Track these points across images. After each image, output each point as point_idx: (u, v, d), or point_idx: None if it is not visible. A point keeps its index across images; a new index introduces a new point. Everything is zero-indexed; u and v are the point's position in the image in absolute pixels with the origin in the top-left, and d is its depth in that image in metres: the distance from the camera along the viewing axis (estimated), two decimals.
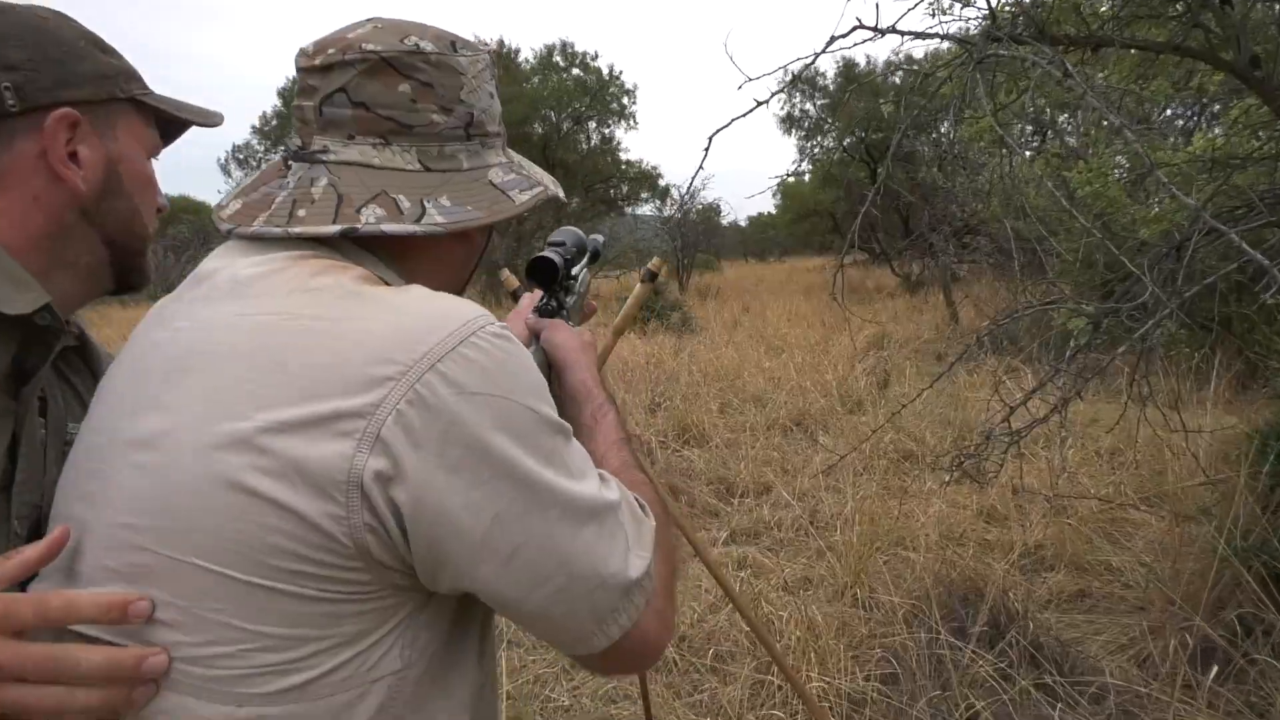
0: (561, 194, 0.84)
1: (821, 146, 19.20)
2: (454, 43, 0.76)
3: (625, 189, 19.90)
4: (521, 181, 0.79)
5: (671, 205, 18.38)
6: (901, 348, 8.45)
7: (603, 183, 19.49)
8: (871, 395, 6.35)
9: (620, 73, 19.51)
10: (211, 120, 0.92)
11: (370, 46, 0.71)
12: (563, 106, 18.38)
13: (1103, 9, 2.30)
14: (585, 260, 1.30)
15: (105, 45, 0.83)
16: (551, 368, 0.99)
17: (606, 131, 19.24)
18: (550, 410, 0.66)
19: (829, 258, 23.37)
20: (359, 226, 0.68)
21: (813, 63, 2.02)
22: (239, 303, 0.66)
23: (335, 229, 0.68)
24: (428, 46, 0.73)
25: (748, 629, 2.68)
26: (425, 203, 0.71)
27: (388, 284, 0.70)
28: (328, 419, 0.58)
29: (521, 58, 18.75)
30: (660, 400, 6.25)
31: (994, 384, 5.99)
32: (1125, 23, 2.40)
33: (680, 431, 5.49)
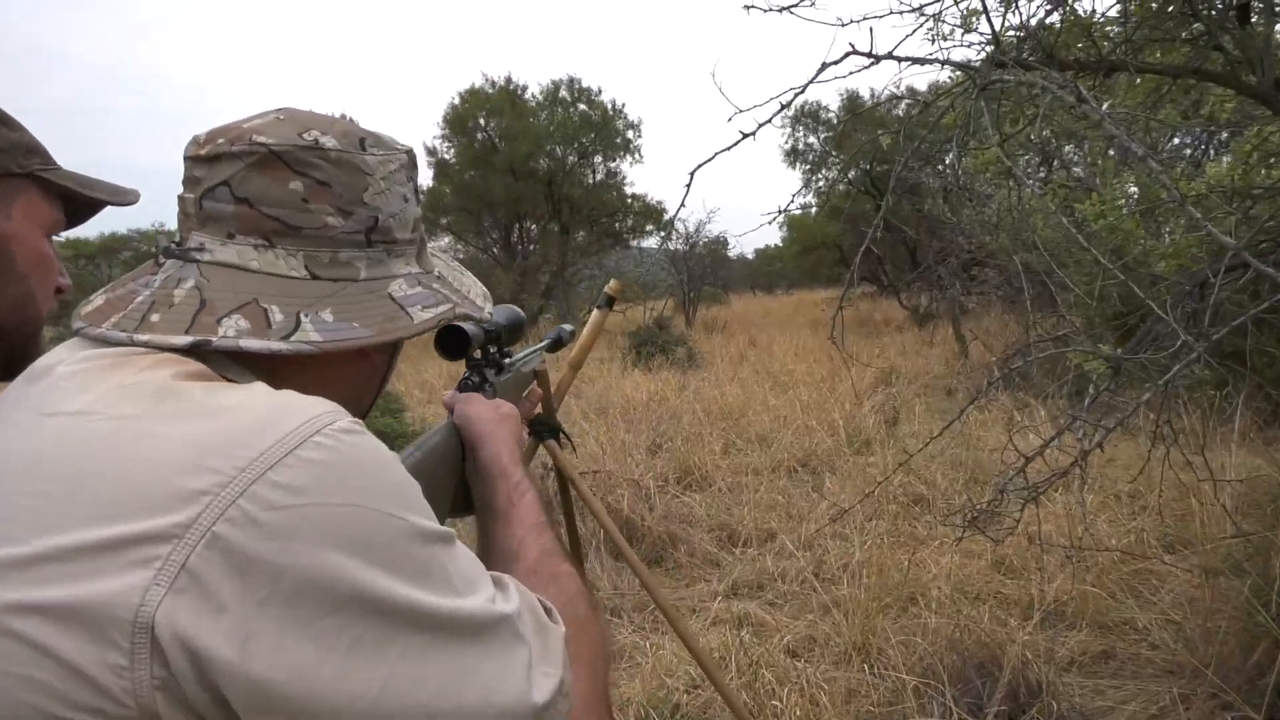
0: (485, 310, 0.79)
1: (826, 179, 19.13)
2: (363, 140, 0.70)
3: (630, 223, 19.86)
4: (428, 296, 0.72)
5: (676, 239, 18.30)
6: (910, 383, 8.27)
7: (608, 216, 19.47)
8: (880, 434, 6.15)
9: (624, 106, 19.52)
10: (123, 199, 0.86)
11: (261, 139, 0.66)
12: (569, 141, 18.40)
13: (1114, 31, 2.15)
14: (540, 346, 1.25)
15: (6, 117, 0.78)
16: (464, 446, 0.91)
17: (612, 165, 19.24)
18: (420, 515, 0.57)
19: (837, 290, 23.22)
20: (213, 339, 0.61)
21: (802, 91, 1.88)
22: (49, 400, 0.57)
23: (186, 340, 0.61)
24: (329, 143, 0.67)
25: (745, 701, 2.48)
26: (302, 316, 0.64)
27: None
28: (120, 545, 0.49)
29: (529, 94, 18.82)
30: (661, 441, 6.08)
31: (1007, 423, 5.81)
32: (1138, 46, 2.25)
33: (681, 474, 5.31)
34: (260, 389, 0.58)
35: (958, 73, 2.21)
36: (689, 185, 2.01)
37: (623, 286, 1.39)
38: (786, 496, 4.93)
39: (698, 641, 1.39)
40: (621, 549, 1.34)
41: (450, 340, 0.96)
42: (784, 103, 1.89)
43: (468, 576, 0.58)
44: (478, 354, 1.05)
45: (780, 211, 2.26)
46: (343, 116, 0.77)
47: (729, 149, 1.96)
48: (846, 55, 1.83)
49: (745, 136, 1.96)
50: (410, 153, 0.75)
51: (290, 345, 0.62)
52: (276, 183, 0.65)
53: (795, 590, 3.67)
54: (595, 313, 1.37)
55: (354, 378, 0.74)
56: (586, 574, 1.39)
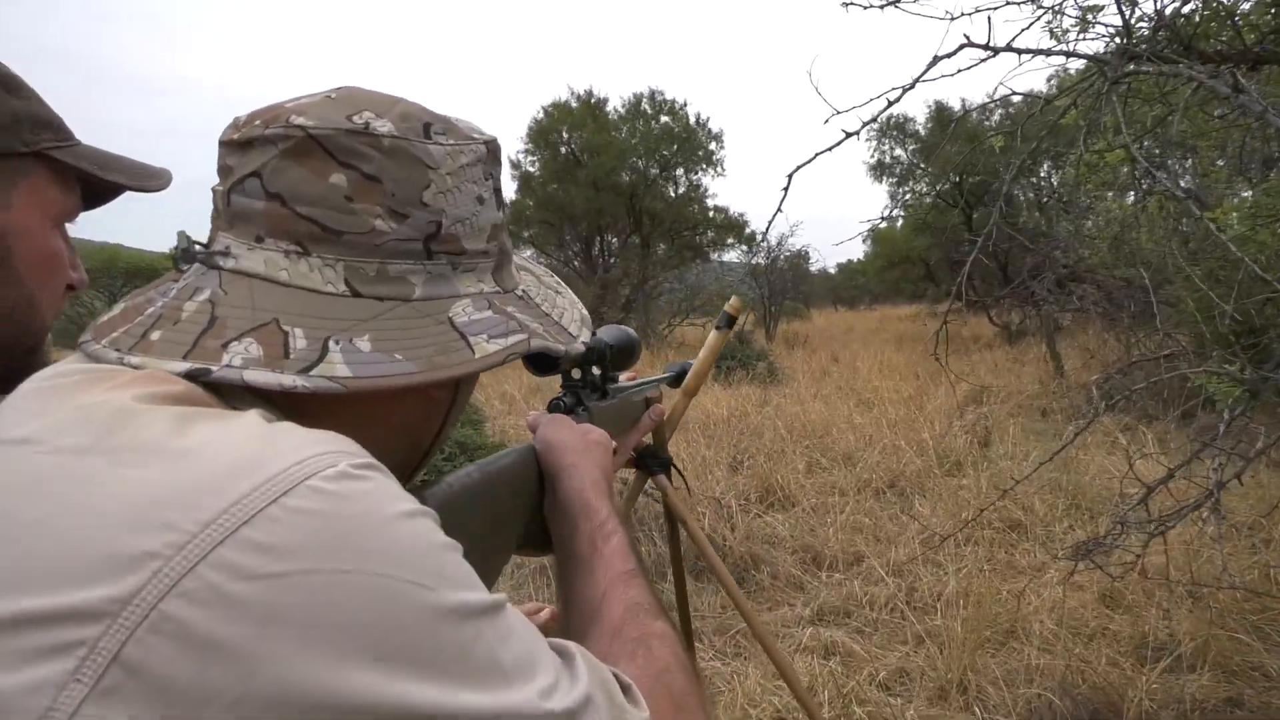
0: (579, 339, 0.65)
1: (914, 192, 18.69)
2: (429, 125, 0.57)
3: (711, 236, 19.74)
4: (497, 323, 0.59)
5: (758, 252, 18.11)
6: (1003, 403, 7.93)
7: (689, 230, 19.39)
8: (972, 455, 5.89)
9: (707, 119, 19.42)
10: (150, 184, 0.72)
11: (300, 120, 0.53)
12: (650, 154, 18.42)
13: (1262, 21, 1.95)
14: (659, 377, 1.15)
15: (12, 82, 0.65)
16: (542, 477, 0.79)
17: (694, 178, 19.17)
18: (454, 584, 0.44)
19: (922, 306, 22.66)
20: (214, 368, 0.49)
21: (912, 87, 1.74)
22: (6, 425, 0.46)
23: (181, 366, 0.50)
24: (382, 127, 0.55)
25: None
26: (332, 343, 0.52)
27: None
28: (33, 623, 0.36)
29: (610, 106, 18.92)
30: (742, 458, 5.94)
31: (1109, 447, 5.50)
32: None
33: (764, 493, 5.16)
34: (249, 420, 0.47)
35: (1067, 72, 2.05)
36: (786, 188, 1.90)
37: (743, 304, 1.28)
38: (874, 518, 4.74)
39: (796, 674, 1.28)
40: (731, 593, 1.23)
41: (538, 353, 0.87)
42: (892, 99, 1.77)
43: (520, 657, 0.45)
44: (575, 373, 0.95)
45: (878, 221, 2.13)
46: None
47: (831, 149, 1.85)
48: (961, 48, 1.70)
49: (849, 135, 1.84)
50: (492, 143, 0.62)
51: (309, 382, 0.50)
52: (315, 175, 0.53)
53: (885, 618, 3.50)
54: (714, 334, 1.25)
55: (407, 417, 0.61)
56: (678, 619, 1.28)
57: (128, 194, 0.75)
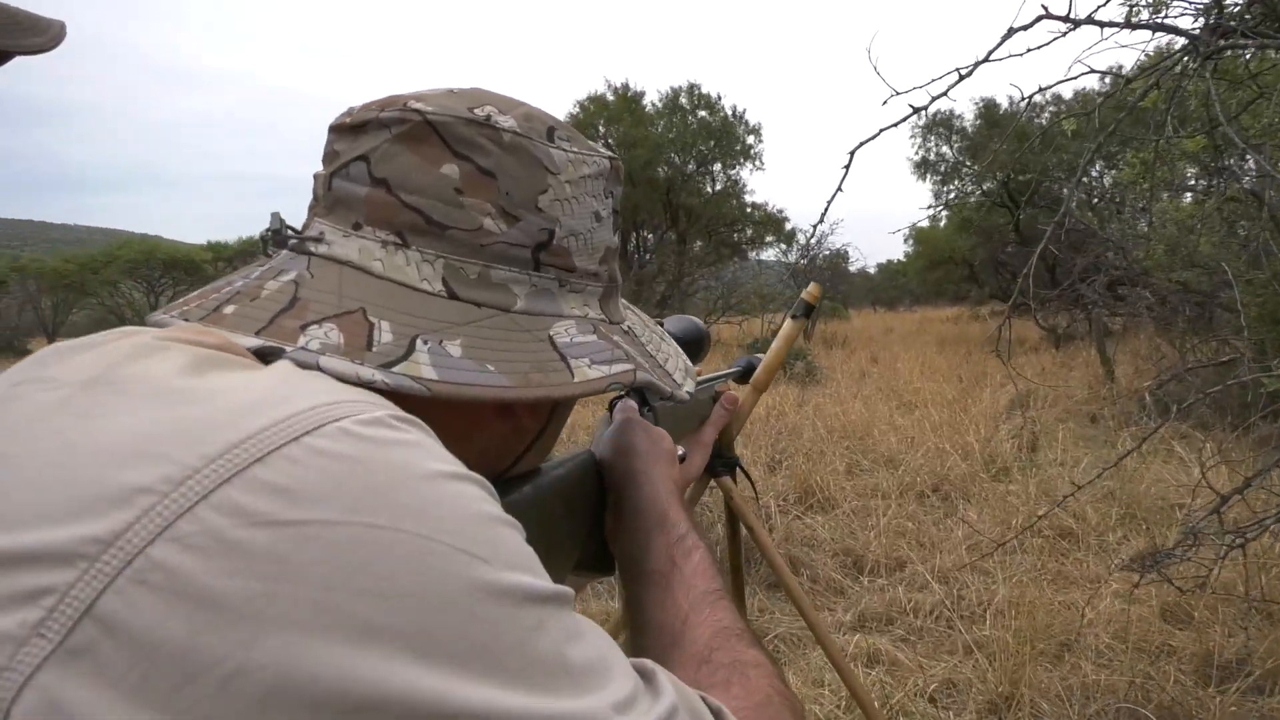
0: (683, 388, 0.63)
1: (958, 191, 18.43)
2: (553, 129, 0.55)
3: (750, 233, 19.63)
4: (602, 349, 0.56)
5: (797, 250, 17.95)
6: (1050, 407, 7.77)
7: (726, 226, 19.30)
8: (1020, 461, 5.76)
9: (744, 111, 19.31)
10: (27, 41, 0.55)
11: (419, 105, 0.51)
12: (687, 149, 18.36)
13: None
14: (727, 371, 1.11)
15: None
16: (604, 485, 0.73)
17: (731, 173, 19.07)
18: (510, 565, 0.37)
19: (964, 308, 22.37)
20: (288, 348, 0.45)
21: (985, 60, 1.65)
22: (37, 368, 0.41)
23: (252, 342, 0.46)
24: (505, 122, 0.53)
25: None
26: (419, 342, 0.48)
27: None
28: (7, 563, 0.30)
29: (647, 100, 18.89)
30: (781, 458, 5.86)
31: (1166, 455, 5.34)
32: None
33: (803, 494, 5.07)
34: (279, 365, 0.42)
35: (1146, 55, 1.95)
36: (848, 165, 1.82)
37: (821, 292, 1.21)
38: (917, 523, 4.63)
39: (861, 685, 1.21)
40: (794, 597, 1.16)
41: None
42: (963, 73, 1.68)
43: (591, 660, 0.39)
44: None
45: (926, 215, 2.05)
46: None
47: (896, 125, 1.77)
48: (1038, 19, 1.60)
49: (915, 111, 1.75)
50: (615, 161, 0.60)
51: (390, 378, 0.45)
52: (426, 163, 0.51)
53: (930, 626, 3.40)
54: (789, 323, 1.18)
55: (489, 441, 0.57)
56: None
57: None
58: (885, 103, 1.93)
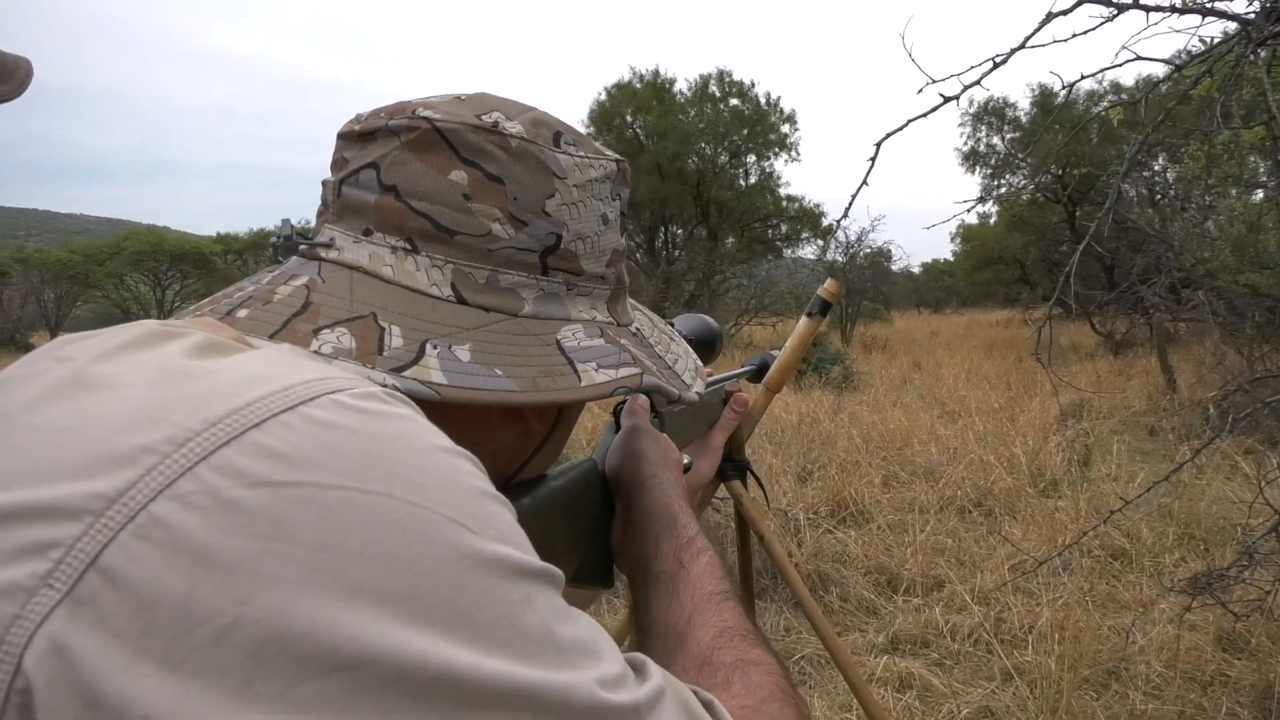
0: (692, 389, 0.66)
1: (1010, 185, 18.26)
2: (559, 134, 0.59)
3: (785, 229, 19.58)
4: (609, 353, 0.59)
5: (835, 247, 17.88)
6: (1105, 418, 7.69)
7: (760, 221, 19.27)
8: (1070, 475, 5.70)
9: (779, 99, 19.25)
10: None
11: (427, 113, 0.56)
12: (719, 139, 18.36)
13: None
14: (738, 371, 1.12)
15: None
16: (608, 494, 0.77)
17: (766, 165, 19.03)
18: (499, 534, 0.40)
19: (1015, 310, 22.18)
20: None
21: (1022, 47, 1.63)
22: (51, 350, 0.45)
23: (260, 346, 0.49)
24: (512, 128, 0.57)
25: None
26: (429, 347, 0.52)
27: None
28: (17, 517, 0.34)
29: (677, 88, 18.90)
30: (813, 467, 5.84)
31: (1230, 471, 5.26)
32: None
33: (835, 506, 5.05)
34: (282, 348, 0.46)
35: (1199, 43, 1.93)
36: (874, 158, 1.81)
37: (840, 287, 1.22)
38: (957, 539, 4.61)
39: (883, 710, 1.21)
40: (810, 613, 1.16)
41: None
42: (998, 60, 1.67)
43: (581, 640, 0.41)
44: None
45: (971, 205, 2.03)
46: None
47: (926, 115, 1.75)
48: (1078, 4, 1.59)
49: (947, 100, 1.75)
50: (622, 164, 0.64)
51: (400, 382, 0.49)
52: (434, 170, 0.55)
53: (968, 650, 3.38)
54: (804, 321, 1.18)
55: (499, 447, 0.61)
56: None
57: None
58: (920, 91, 1.93)
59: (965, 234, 22.98)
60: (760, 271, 19.36)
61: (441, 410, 0.49)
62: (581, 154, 0.60)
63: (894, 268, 23.65)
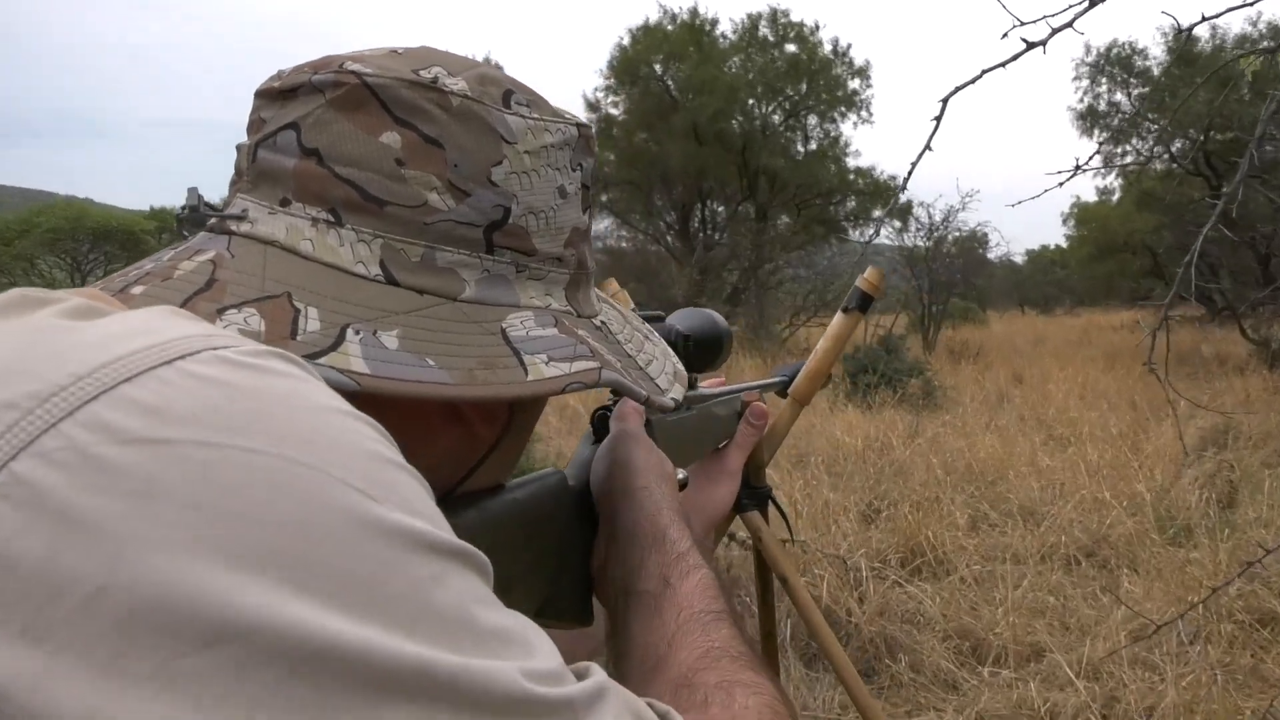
0: (668, 395, 0.70)
1: (1137, 152, 18.14)
2: (510, 93, 0.63)
3: (852, 205, 19.57)
4: (562, 345, 0.62)
5: (917, 229, 17.84)
6: (1256, 448, 7.61)
7: (822, 197, 19.27)
8: (1208, 518, 5.67)
9: (848, 47, 19.28)
10: None
11: (356, 67, 0.59)
12: (771, 94, 18.39)
13: None
14: (761, 383, 1.16)
15: None
16: (584, 512, 0.81)
17: (829, 128, 19.04)
18: (406, 505, 0.42)
19: (1145, 310, 22.03)
20: None
21: None
22: None
23: None
24: (454, 85, 0.60)
25: None
26: (350, 332, 0.55)
27: None
28: None
29: (719, 30, 18.96)
30: (881, 505, 5.86)
31: None
32: None
33: (908, 554, 5.08)
34: (161, 308, 0.48)
35: None
36: (939, 117, 1.81)
37: (883, 277, 1.23)
38: (1062, 598, 4.61)
39: None
40: (846, 682, 1.17)
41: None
42: None
43: (505, 629, 0.44)
44: None
45: (1077, 168, 2.03)
46: (495, 65, 0.69)
47: (1004, 64, 1.75)
48: None
49: (1031, 46, 1.74)
50: (584, 129, 0.68)
51: (314, 371, 0.51)
52: (363, 131, 0.58)
53: None
54: (839, 317, 1.21)
55: (438, 454, 0.64)
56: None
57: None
58: (1004, 36, 1.93)
59: (1081, 214, 22.87)
60: (821, 260, 19.37)
61: (364, 406, 0.50)
62: (535, 116, 0.63)
63: (991, 256, 23.54)
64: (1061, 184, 2.23)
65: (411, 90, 0.58)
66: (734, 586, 4.02)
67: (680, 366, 0.76)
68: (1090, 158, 2.16)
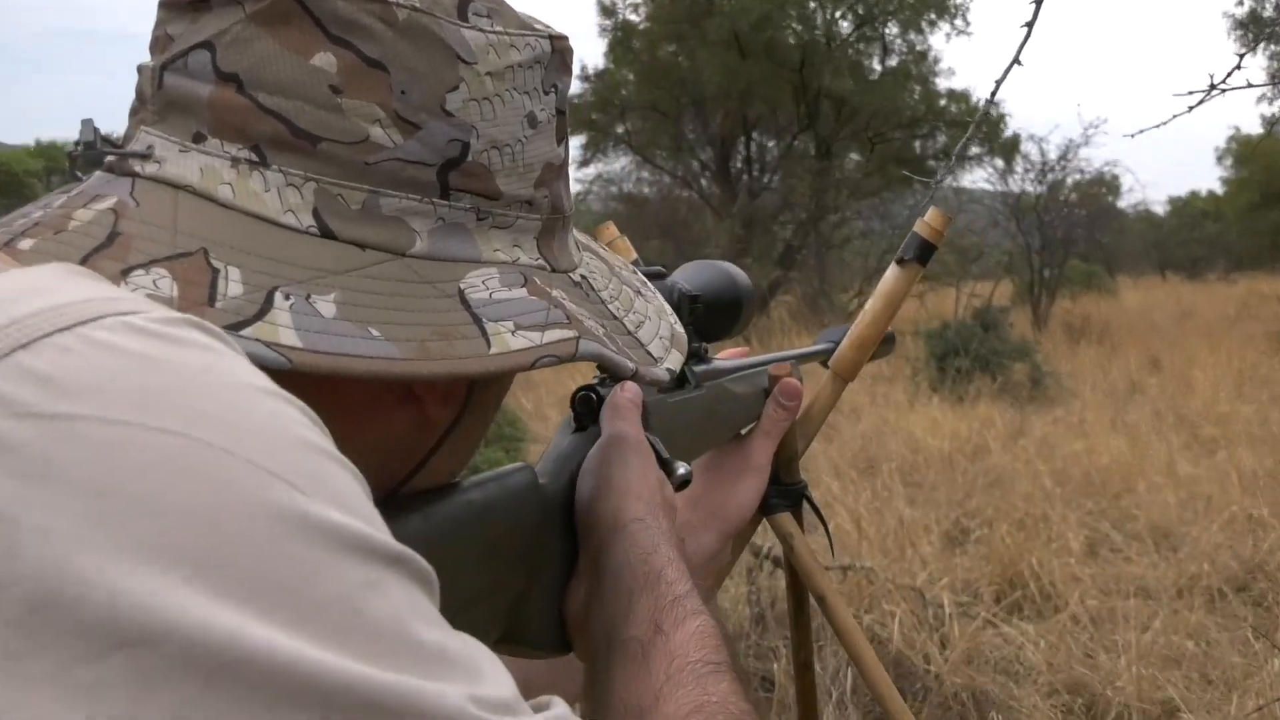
0: (663, 364, 0.75)
1: None
2: (467, 3, 0.65)
3: (943, 141, 19.47)
4: (532, 309, 0.65)
5: (1025, 170, 17.74)
6: None
7: (903, 129, 19.19)
8: None
9: None
10: None
11: None
12: None
13: None
14: (797, 352, 1.19)
15: None
16: (561, 520, 0.84)
17: (912, 39, 18.96)
18: (337, 500, 0.45)
19: None
20: None
21: None
22: None
23: None
24: None
25: None
26: (279, 297, 0.57)
27: None
28: None
29: None
30: (971, 524, 5.88)
31: None
32: None
33: (1005, 586, 5.11)
34: (53, 265, 0.50)
35: None
36: (1030, 24, 1.79)
37: (949, 221, 1.24)
38: (1203, 643, 4.62)
39: None
40: (888, 708, 1.19)
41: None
42: None
43: (450, 649, 0.46)
44: None
45: (1214, 88, 2.02)
46: None
47: None
48: None
49: None
50: (558, 41, 0.70)
51: (237, 344, 0.52)
52: (291, 51, 0.60)
53: None
54: (893, 271, 1.22)
55: (384, 438, 0.67)
56: None
57: None
58: None
59: (1241, 151, 22.69)
60: (901, 210, 19.27)
61: (297, 386, 0.52)
62: (499, 29, 0.65)
63: (1122, 205, 23.39)
64: (1191, 108, 2.21)
65: (349, 2, 0.60)
66: (737, 639, 4.05)
67: (679, 327, 0.79)
68: (1230, 73, 2.13)
